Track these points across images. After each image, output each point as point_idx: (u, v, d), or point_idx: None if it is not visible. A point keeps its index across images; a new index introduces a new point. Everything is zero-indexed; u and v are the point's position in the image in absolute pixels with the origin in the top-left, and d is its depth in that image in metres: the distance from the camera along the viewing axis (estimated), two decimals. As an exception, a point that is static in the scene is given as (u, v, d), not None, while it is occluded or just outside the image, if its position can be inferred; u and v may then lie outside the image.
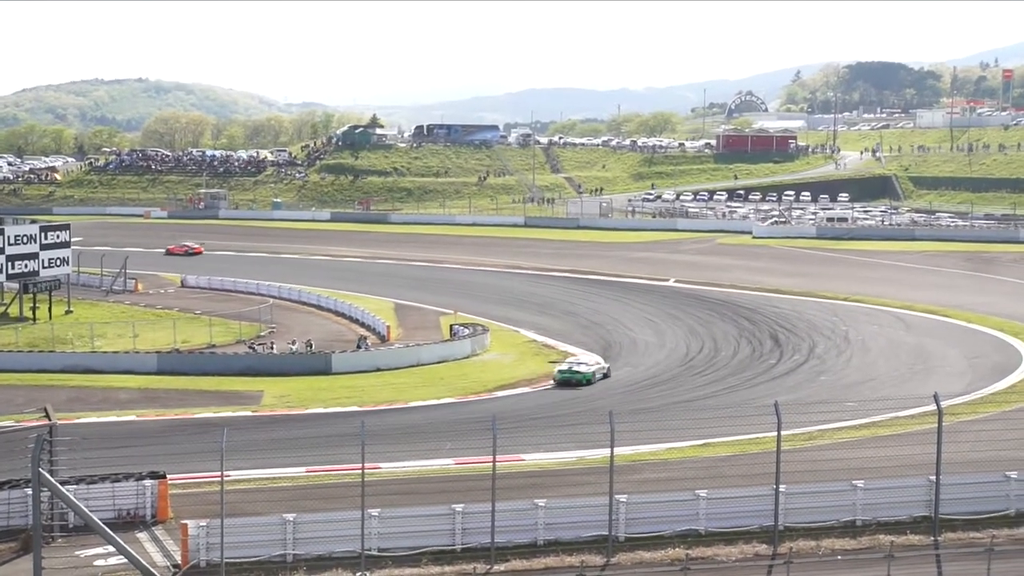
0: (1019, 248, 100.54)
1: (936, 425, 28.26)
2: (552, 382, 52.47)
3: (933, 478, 28.59)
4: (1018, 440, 32.95)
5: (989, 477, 30.10)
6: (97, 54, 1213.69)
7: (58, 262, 73.40)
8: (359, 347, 61.13)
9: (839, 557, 26.84)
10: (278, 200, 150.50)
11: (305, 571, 26.14)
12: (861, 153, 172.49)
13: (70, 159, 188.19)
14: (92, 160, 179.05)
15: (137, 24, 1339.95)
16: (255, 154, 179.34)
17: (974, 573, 24.43)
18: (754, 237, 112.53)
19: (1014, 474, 29.84)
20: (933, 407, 28.57)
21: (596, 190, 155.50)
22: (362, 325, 70.32)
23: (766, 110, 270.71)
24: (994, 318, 65.28)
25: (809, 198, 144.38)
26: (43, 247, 72.00)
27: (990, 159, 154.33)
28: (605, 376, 53.19)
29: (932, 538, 27.97)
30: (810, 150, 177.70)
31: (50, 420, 31.24)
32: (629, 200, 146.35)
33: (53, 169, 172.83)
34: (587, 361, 54.43)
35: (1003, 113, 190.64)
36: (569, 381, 51.61)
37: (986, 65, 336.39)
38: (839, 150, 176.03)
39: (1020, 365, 53.23)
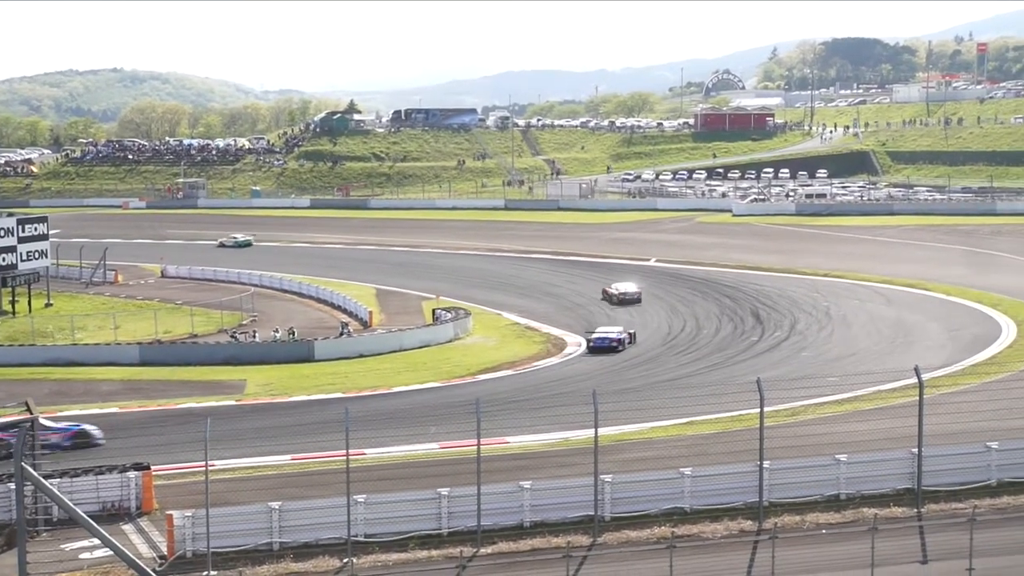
0: (997, 220, 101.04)
1: (917, 398, 28.41)
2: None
3: (915, 450, 28.76)
4: (998, 411, 33.23)
5: (970, 448, 30.28)
6: (71, 45, 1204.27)
7: (36, 255, 72.98)
8: (342, 334, 61.07)
9: (824, 531, 27.00)
10: (257, 188, 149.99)
11: (292, 559, 26.13)
12: (846, 128, 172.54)
13: (46, 151, 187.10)
14: (68, 152, 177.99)
15: (111, 14, 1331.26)
16: (233, 142, 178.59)
17: (957, 543, 24.59)
18: (734, 215, 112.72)
19: (995, 444, 30.04)
20: (914, 380, 28.70)
21: (593, 180, 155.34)
22: (344, 312, 70.23)
23: (743, 88, 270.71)
24: (973, 290, 65.62)
25: (788, 175, 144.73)
26: (21, 240, 71.51)
27: (966, 132, 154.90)
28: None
29: (915, 510, 28.15)
30: (787, 127, 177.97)
31: (32, 414, 31.13)
32: (596, 180, 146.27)
33: (29, 161, 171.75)
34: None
35: (978, 86, 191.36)
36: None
37: (961, 39, 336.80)
38: (825, 126, 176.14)
39: (999, 337, 53.56)
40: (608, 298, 68.45)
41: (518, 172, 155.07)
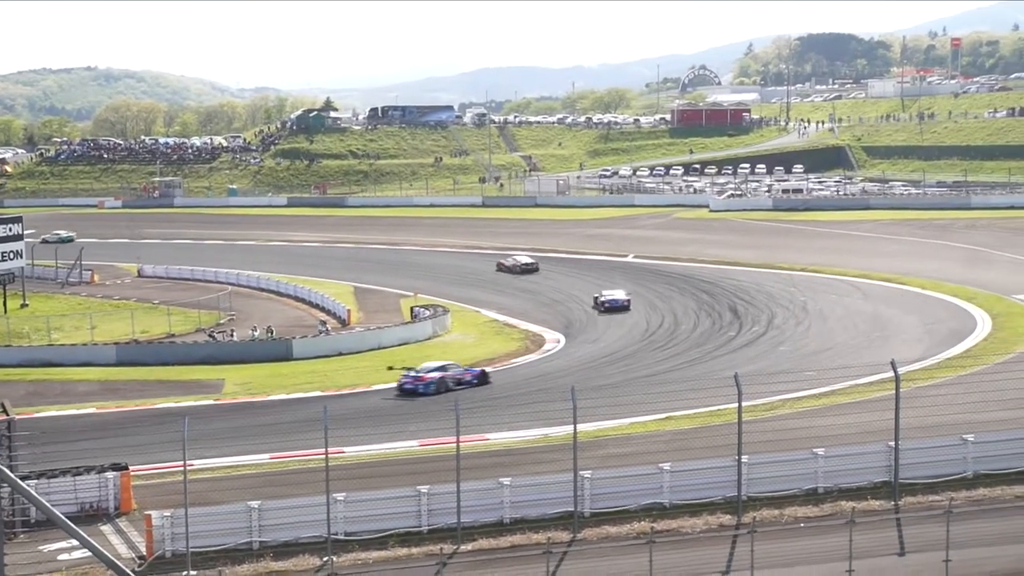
0: (971, 214, 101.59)
1: (894, 392, 28.57)
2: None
3: (892, 444, 28.92)
4: (974, 404, 33.40)
5: (946, 441, 30.46)
6: (44, 43, 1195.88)
7: (11, 255, 72.53)
8: (320, 332, 60.95)
9: (802, 525, 27.12)
10: (233, 187, 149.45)
11: (271, 558, 26.07)
12: (819, 124, 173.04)
13: (20, 150, 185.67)
14: (43, 151, 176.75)
15: (84, 12, 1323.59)
16: (209, 141, 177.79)
17: (934, 535, 24.76)
18: (711, 210, 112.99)
19: (971, 437, 30.25)
20: (891, 374, 28.87)
21: (569, 177, 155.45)
22: (322, 310, 70.10)
23: (720, 84, 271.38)
24: (949, 284, 65.99)
25: (764, 170, 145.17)
26: (-5, 241, 71.08)
27: (941, 127, 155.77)
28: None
29: (892, 503, 28.31)
30: (764, 122, 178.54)
31: (7, 415, 30.93)
32: (578, 176, 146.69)
33: (3, 161, 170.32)
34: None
35: (952, 81, 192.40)
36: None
37: (935, 34, 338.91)
38: (802, 121, 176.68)
39: (975, 330, 53.90)
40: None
41: (496, 169, 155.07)
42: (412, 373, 47.55)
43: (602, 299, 65.46)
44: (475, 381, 47.51)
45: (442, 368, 47.84)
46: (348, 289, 76.39)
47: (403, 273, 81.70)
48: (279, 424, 39.21)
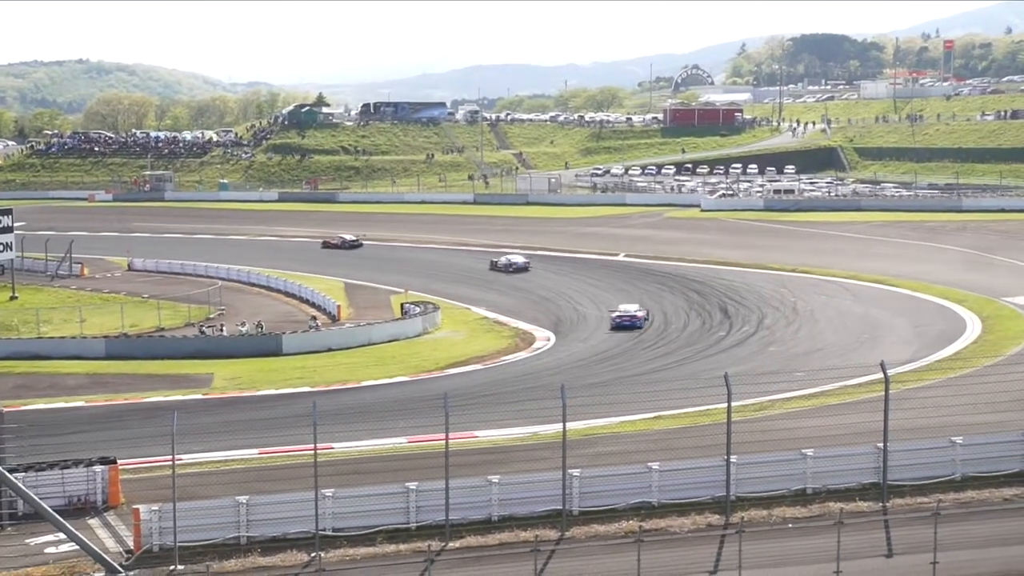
0: (962, 217, 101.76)
1: (883, 393, 28.61)
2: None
3: (881, 445, 28.96)
4: (963, 406, 33.48)
5: (935, 443, 30.51)
6: (36, 35, 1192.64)
7: (1, 247, 72.28)
8: (310, 327, 60.85)
9: (790, 525, 27.16)
10: (225, 181, 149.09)
11: (259, 553, 26.03)
12: (813, 124, 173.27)
13: (10, 143, 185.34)
14: (33, 143, 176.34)
15: (76, 5, 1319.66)
16: (200, 135, 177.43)
17: (921, 537, 24.82)
18: (702, 210, 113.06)
19: (959, 439, 30.30)
20: (880, 375, 28.91)
21: (560, 175, 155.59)
22: (312, 305, 70.01)
23: (712, 84, 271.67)
24: (939, 286, 66.10)
25: (756, 170, 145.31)
26: (-15, 232, 70.85)
27: (933, 129, 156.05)
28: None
29: (881, 504, 28.35)
30: (756, 122, 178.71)
31: (-4, 408, 30.85)
32: (576, 175, 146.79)
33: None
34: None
35: (945, 83, 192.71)
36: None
37: (928, 36, 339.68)
38: (798, 122, 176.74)
39: (964, 332, 53.99)
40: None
41: (487, 166, 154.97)
42: (621, 312, 60.03)
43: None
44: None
45: (638, 310, 60.61)
46: (338, 285, 76.27)
47: (394, 269, 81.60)
48: (268, 419, 39.14)
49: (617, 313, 60.88)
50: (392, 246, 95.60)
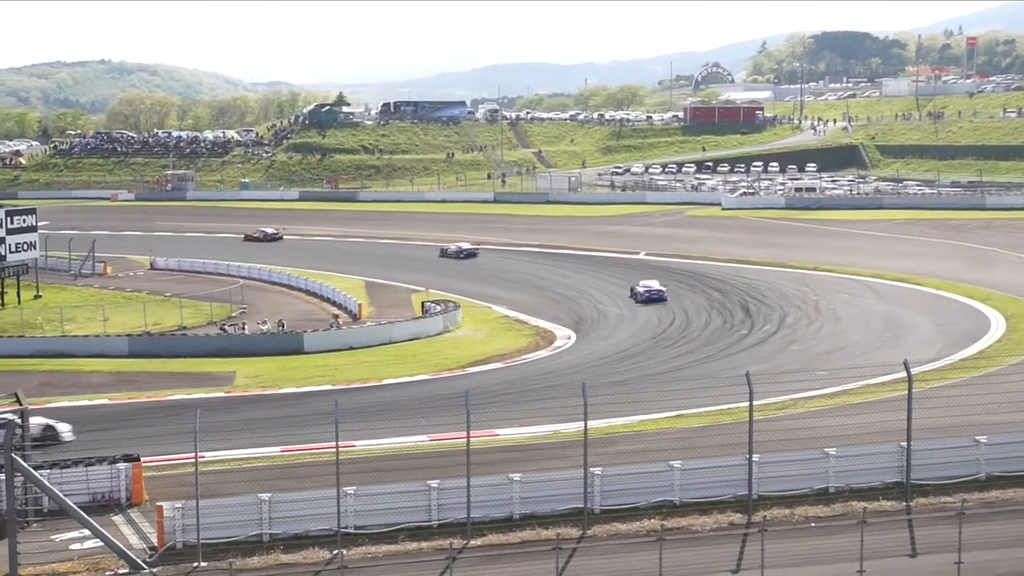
0: (986, 215, 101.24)
1: (906, 392, 28.48)
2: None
3: (904, 444, 28.83)
4: (987, 405, 33.29)
5: (959, 442, 30.37)
6: (59, 36, 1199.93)
7: (25, 246, 72.78)
8: (331, 326, 60.99)
9: (812, 524, 27.07)
10: (246, 180, 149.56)
11: (282, 550, 26.12)
12: (833, 122, 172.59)
13: (34, 143, 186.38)
14: (57, 143, 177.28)
15: (98, 5, 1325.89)
16: (221, 135, 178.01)
17: (945, 537, 24.69)
18: (723, 208, 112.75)
19: (983, 438, 30.14)
20: (903, 374, 28.79)
21: (579, 174, 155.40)
22: (333, 304, 70.17)
23: (733, 82, 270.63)
24: (962, 285, 65.78)
25: (777, 169, 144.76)
26: (9, 232, 71.34)
27: (956, 126, 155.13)
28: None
29: (904, 503, 28.24)
30: (777, 120, 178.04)
31: (21, 405, 31.06)
32: (599, 174, 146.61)
33: (18, 153, 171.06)
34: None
35: (968, 81, 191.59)
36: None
37: (950, 33, 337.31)
38: (821, 119, 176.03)
39: (988, 331, 53.73)
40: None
41: (507, 165, 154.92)
42: (646, 286, 66.09)
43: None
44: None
45: (660, 284, 66.43)
46: (359, 283, 76.44)
47: (414, 268, 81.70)
48: (290, 417, 39.25)
49: (643, 287, 66.54)
50: (412, 244, 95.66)
